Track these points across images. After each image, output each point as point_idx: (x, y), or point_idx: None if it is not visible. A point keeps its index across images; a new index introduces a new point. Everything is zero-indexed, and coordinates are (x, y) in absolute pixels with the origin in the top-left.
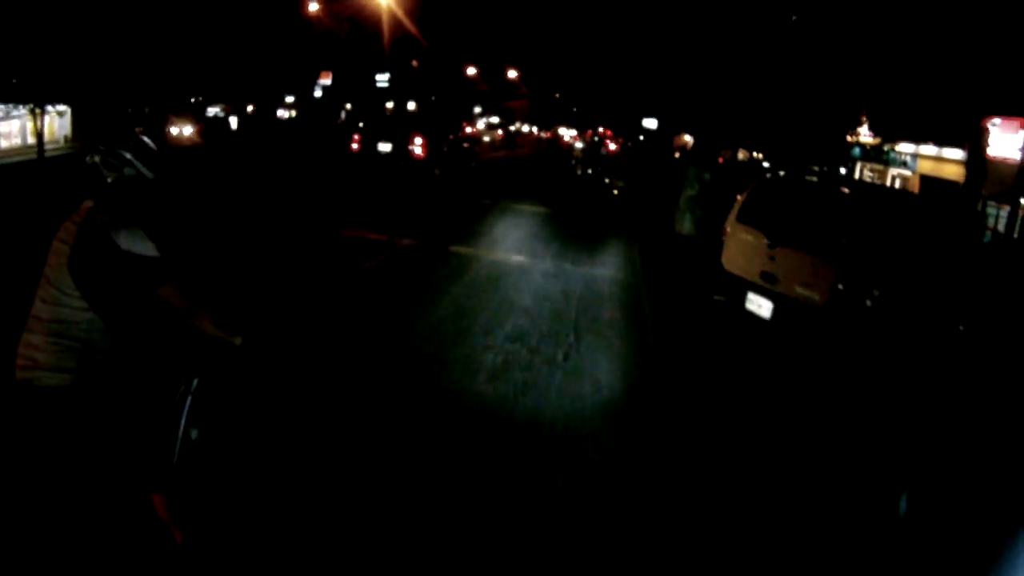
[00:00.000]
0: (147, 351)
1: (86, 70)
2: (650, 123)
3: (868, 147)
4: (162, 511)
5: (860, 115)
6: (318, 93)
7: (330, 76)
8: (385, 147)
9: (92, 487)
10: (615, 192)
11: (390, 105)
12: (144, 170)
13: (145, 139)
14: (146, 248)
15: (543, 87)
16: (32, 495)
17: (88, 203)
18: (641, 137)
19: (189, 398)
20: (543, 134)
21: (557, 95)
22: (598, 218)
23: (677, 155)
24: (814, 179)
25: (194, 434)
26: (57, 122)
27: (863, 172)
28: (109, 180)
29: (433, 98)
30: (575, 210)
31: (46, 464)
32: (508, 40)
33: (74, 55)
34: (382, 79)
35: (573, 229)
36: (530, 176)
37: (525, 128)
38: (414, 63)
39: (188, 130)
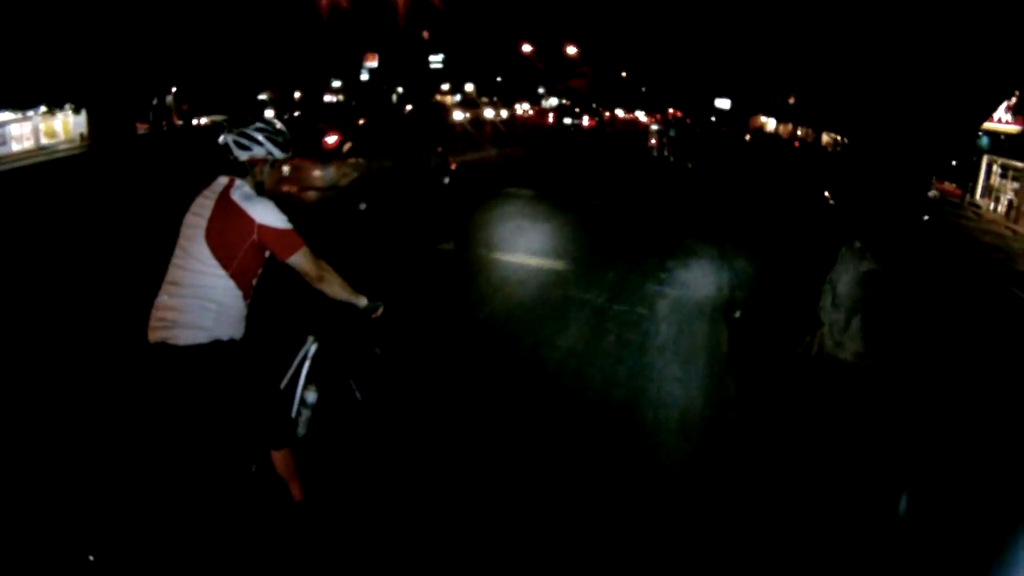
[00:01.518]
0: (274, 315)
1: (110, 67)
2: (723, 103)
3: (1003, 136)
4: (280, 468)
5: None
6: (364, 76)
7: (376, 58)
8: (567, 121)
9: (218, 440)
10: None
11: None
12: (274, 149)
13: (276, 122)
14: (279, 220)
15: (605, 65)
16: (162, 449)
17: (222, 179)
18: (713, 118)
19: (308, 362)
20: (628, 116)
21: (624, 74)
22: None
23: (748, 137)
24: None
25: (311, 396)
26: (72, 120)
27: (991, 171)
28: (242, 159)
29: (499, 79)
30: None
31: (176, 419)
32: (565, 13)
33: (97, 51)
34: (436, 60)
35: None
36: (625, 141)
37: (620, 112)
38: (425, 34)
39: None
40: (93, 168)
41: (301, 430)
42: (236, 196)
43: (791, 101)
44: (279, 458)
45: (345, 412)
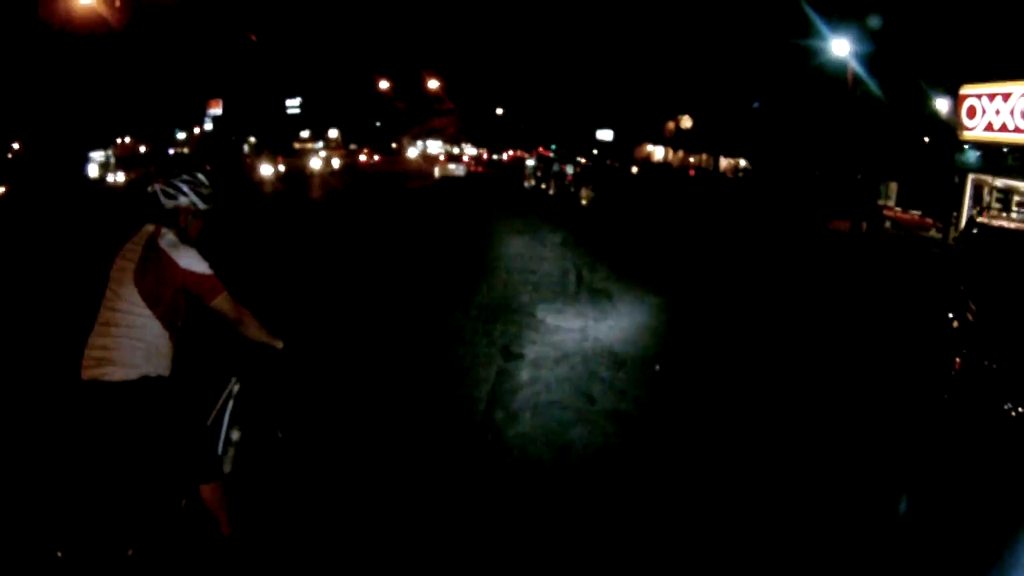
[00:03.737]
0: (200, 355)
1: None
2: (605, 134)
3: (1006, 149)
4: (210, 503)
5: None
6: (208, 125)
7: (220, 104)
8: (495, 157)
9: (149, 473)
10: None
11: (305, 134)
12: (197, 200)
13: (199, 175)
14: (202, 266)
15: (475, 100)
16: (94, 484)
17: (148, 227)
18: (595, 151)
19: (231, 401)
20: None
21: (499, 110)
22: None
23: (635, 169)
24: None
25: (234, 435)
26: None
27: (981, 195)
28: (167, 207)
29: (378, 124)
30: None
31: (109, 454)
32: (425, 44)
33: None
34: (292, 104)
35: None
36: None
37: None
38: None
39: None
40: None
41: (227, 467)
42: (163, 243)
43: (685, 127)
44: (208, 492)
45: (267, 450)
